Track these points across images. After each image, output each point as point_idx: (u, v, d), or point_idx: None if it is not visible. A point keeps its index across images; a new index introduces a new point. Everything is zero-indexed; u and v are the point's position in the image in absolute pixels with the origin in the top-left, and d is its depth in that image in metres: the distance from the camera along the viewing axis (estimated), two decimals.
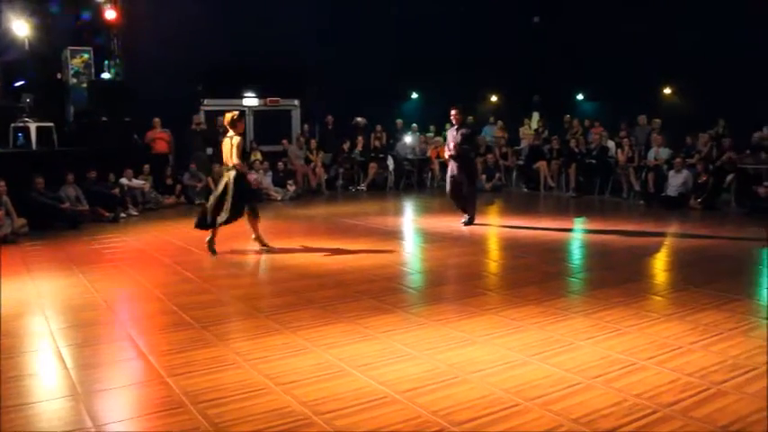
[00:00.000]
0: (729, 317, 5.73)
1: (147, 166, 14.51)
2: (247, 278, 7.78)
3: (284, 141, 17.56)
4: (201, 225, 9.07)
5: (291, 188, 15.97)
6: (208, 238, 9.08)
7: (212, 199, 9.06)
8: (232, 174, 8.85)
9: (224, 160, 9.04)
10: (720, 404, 4.03)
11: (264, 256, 9.17)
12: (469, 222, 11.17)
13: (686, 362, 4.71)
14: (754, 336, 5.25)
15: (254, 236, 9.32)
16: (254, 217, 9.22)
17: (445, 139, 19.17)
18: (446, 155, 11.30)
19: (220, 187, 8.97)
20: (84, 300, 6.74)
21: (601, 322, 5.62)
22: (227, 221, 8.93)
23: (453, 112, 11.08)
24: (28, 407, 4.16)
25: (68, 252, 9.44)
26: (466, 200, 11.21)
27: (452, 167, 11.12)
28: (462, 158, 10.96)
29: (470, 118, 20.03)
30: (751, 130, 14.19)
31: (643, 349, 4.97)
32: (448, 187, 11.31)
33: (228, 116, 9.06)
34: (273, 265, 8.42)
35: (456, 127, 11.12)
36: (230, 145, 8.87)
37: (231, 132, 8.94)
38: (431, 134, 19.71)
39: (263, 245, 9.28)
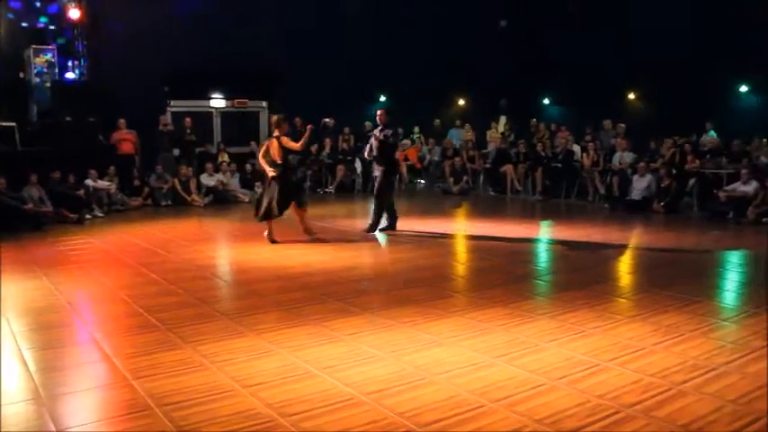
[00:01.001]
0: (690, 318, 5.83)
1: (112, 168, 14.36)
2: (213, 280, 7.73)
3: (252, 143, 17.48)
4: (267, 216, 9.83)
5: (259, 190, 15.89)
6: (267, 232, 9.93)
7: (269, 195, 9.77)
8: (279, 171, 9.74)
9: (272, 158, 9.82)
10: (681, 404, 4.10)
11: (231, 259, 9.14)
12: (371, 229, 10.70)
13: (648, 363, 4.79)
14: (713, 337, 5.35)
15: (302, 227, 10.20)
16: (301, 209, 10.12)
17: (413, 141, 19.50)
18: (366, 154, 11.13)
19: (274, 184, 9.74)
20: (47, 302, 6.65)
21: (565, 324, 5.69)
22: (278, 214, 9.82)
23: (379, 112, 10.92)
24: None
25: (32, 254, 9.30)
26: (376, 202, 10.84)
27: (375, 168, 11.02)
28: (380, 159, 10.72)
29: (437, 120, 20.22)
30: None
31: (606, 350, 5.04)
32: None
33: (275, 117, 10.14)
34: (239, 268, 8.39)
35: (380, 127, 10.86)
36: (277, 144, 9.74)
37: (277, 132, 9.87)
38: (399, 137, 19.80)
39: (311, 233, 10.17)
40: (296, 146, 9.84)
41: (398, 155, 18.48)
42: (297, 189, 10.35)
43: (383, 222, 10.88)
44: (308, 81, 17.62)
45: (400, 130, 19.90)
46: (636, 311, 6.08)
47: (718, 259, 8.82)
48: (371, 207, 11.16)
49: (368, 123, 19.02)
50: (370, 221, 10.92)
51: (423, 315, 5.98)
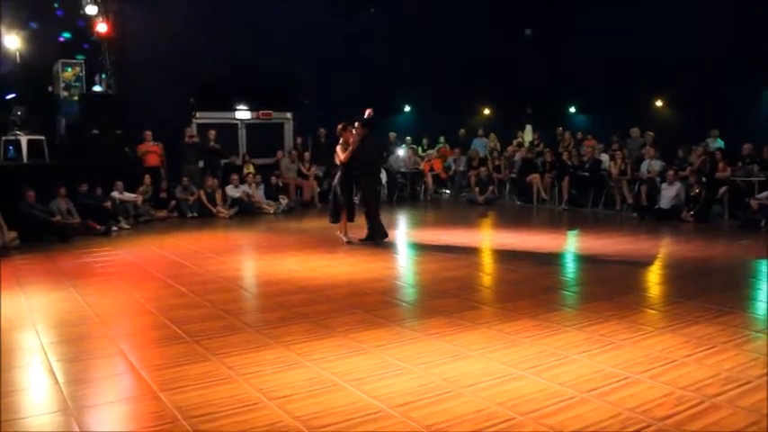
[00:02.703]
0: (722, 330, 5.75)
1: (147, 177, 14.55)
2: (239, 292, 7.76)
3: (279, 153, 17.59)
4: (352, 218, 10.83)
5: (284, 201, 15.97)
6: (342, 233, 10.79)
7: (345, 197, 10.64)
8: (338, 174, 10.66)
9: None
10: (714, 418, 4.04)
11: (257, 270, 9.18)
12: (368, 238, 10.82)
13: (680, 375, 4.72)
14: (747, 349, 5.27)
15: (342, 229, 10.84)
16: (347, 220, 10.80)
17: (438, 152, 19.50)
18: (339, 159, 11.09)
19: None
20: (75, 314, 6.72)
21: (594, 335, 5.63)
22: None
23: (357, 123, 10.78)
24: (19, 422, 4.14)
25: (59, 265, 9.41)
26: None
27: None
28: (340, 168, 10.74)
29: (462, 130, 20.20)
30: (742, 142, 14.28)
31: (637, 363, 4.98)
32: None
33: (339, 126, 10.78)
34: (265, 280, 8.41)
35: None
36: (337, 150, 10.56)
37: (342, 140, 10.60)
38: (424, 147, 19.81)
39: (346, 238, 10.76)
40: (340, 156, 10.60)
41: (423, 165, 18.59)
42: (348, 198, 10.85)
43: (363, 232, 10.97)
44: (332, 92, 17.68)
45: (425, 141, 20.00)
46: (666, 323, 6.01)
47: (750, 269, 8.70)
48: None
49: (392, 134, 19.09)
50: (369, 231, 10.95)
51: (450, 326, 5.96)
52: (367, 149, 10.60)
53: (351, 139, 10.58)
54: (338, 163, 10.84)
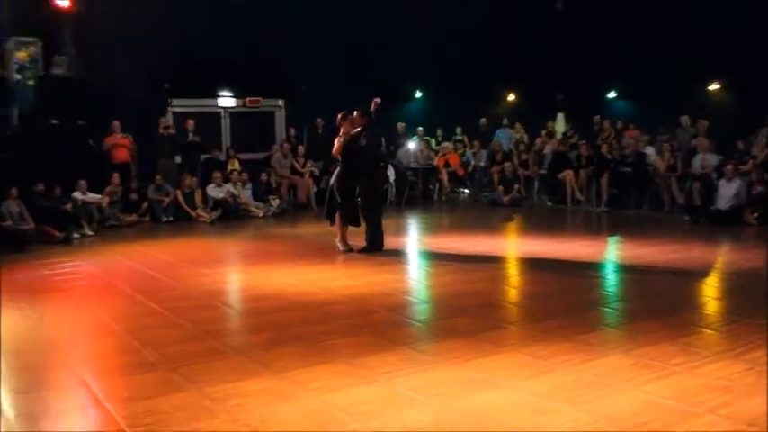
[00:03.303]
0: None
1: (115, 175, 14.54)
2: (223, 310, 7.73)
3: (273, 146, 17.62)
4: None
5: (275, 203, 15.96)
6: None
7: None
8: (337, 170, 10.72)
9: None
10: None
11: (243, 284, 9.15)
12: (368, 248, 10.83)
13: (744, 408, 4.64)
14: None
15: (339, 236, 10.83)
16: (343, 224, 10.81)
17: (455, 145, 19.47)
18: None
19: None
20: (30, 337, 6.68)
21: (641, 360, 5.57)
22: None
23: (356, 113, 10.78)
24: None
25: (11, 279, 9.38)
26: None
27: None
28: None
29: (483, 120, 20.16)
30: None
31: (693, 393, 4.91)
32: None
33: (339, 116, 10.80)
34: (254, 295, 8.38)
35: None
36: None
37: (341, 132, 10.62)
38: (438, 139, 19.78)
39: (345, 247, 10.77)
40: (334, 149, 10.72)
41: (438, 161, 18.58)
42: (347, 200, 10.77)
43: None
44: (331, 76, 17.67)
45: (439, 132, 19.97)
46: (726, 345, 5.94)
47: None
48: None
49: (401, 124, 19.08)
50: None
51: (471, 350, 5.90)
52: (367, 143, 10.56)
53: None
54: (335, 158, 10.85)
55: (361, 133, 10.55)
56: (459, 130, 20.10)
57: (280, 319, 7.06)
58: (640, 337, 6.15)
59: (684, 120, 16.45)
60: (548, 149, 18.02)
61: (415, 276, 9.60)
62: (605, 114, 18.92)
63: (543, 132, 19.02)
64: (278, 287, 8.56)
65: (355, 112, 10.71)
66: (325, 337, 6.36)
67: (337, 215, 10.75)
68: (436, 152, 19.15)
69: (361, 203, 10.73)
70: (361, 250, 10.74)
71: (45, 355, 6.12)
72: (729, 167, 13.65)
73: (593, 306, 7.46)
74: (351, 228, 10.84)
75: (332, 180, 10.90)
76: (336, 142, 10.67)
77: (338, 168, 10.77)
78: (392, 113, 18.99)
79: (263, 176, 16.44)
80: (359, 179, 10.68)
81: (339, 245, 10.81)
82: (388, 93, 18.64)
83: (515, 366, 5.51)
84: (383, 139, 11.37)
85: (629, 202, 15.51)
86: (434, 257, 10.54)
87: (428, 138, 19.58)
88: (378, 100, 10.82)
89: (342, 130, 10.69)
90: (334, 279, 8.98)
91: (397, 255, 10.71)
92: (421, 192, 18.49)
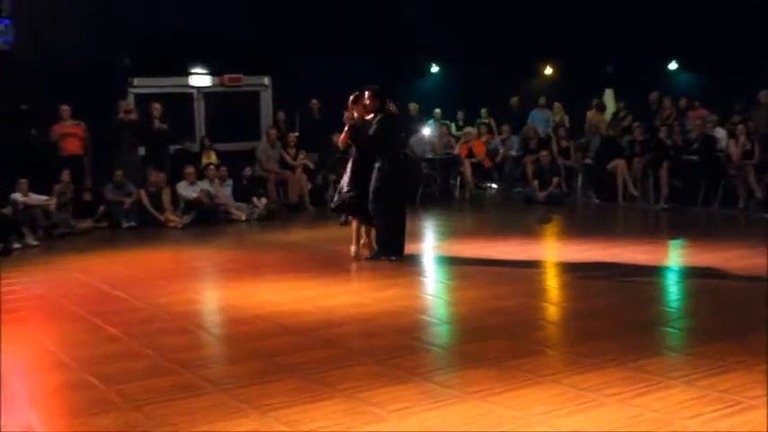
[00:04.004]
0: None
1: (65, 172, 14.53)
2: (198, 335, 7.73)
3: (268, 132, 17.60)
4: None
5: (261, 203, 15.96)
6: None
7: None
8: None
9: None
10: None
11: (223, 303, 9.14)
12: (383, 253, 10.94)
13: None
14: None
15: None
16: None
17: (480, 130, 19.45)
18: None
19: None
20: None
21: (712, 392, 5.55)
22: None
23: (367, 93, 10.84)
24: None
25: None
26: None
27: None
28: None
29: (515, 98, 20.13)
30: None
31: None
32: None
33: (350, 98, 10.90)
34: (236, 317, 8.37)
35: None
36: None
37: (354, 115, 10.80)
38: (459, 123, 19.77)
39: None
40: (339, 139, 11.28)
41: (460, 150, 18.56)
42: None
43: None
44: (327, 47, 17.65)
45: (460, 115, 19.95)
46: None
47: None
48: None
49: (413, 105, 19.07)
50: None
51: (500, 381, 5.89)
52: (378, 130, 10.58)
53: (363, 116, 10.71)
54: (339, 147, 10.93)
55: (373, 120, 10.63)
56: (484, 111, 20.10)
57: (268, 346, 7.05)
58: (710, 364, 6.13)
59: (764, 95, 16.38)
60: (600, 128, 17.90)
61: (432, 291, 9.61)
62: (665, 90, 18.86)
63: (594, 104, 18.97)
64: (265, 307, 8.55)
65: (366, 93, 10.76)
66: (323, 368, 6.35)
67: (354, 217, 10.90)
68: (457, 139, 19.13)
69: (370, 200, 10.74)
70: (370, 257, 10.84)
71: None
72: None
73: (650, 325, 7.44)
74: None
75: (345, 176, 10.95)
76: (345, 131, 10.77)
77: (351, 161, 10.86)
78: (402, 92, 18.97)
79: (246, 171, 16.42)
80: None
81: (352, 249, 10.91)
82: (397, 67, 18.78)
83: (555, 401, 5.50)
84: (400, 125, 11.36)
85: (696, 197, 15.45)
86: (455, 268, 10.51)
87: (447, 122, 19.58)
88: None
89: (355, 114, 10.78)
90: (334, 296, 8.96)
91: (411, 265, 10.68)
92: (439, 188, 18.47)
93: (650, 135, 16.88)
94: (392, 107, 10.96)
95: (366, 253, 10.91)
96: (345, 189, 10.84)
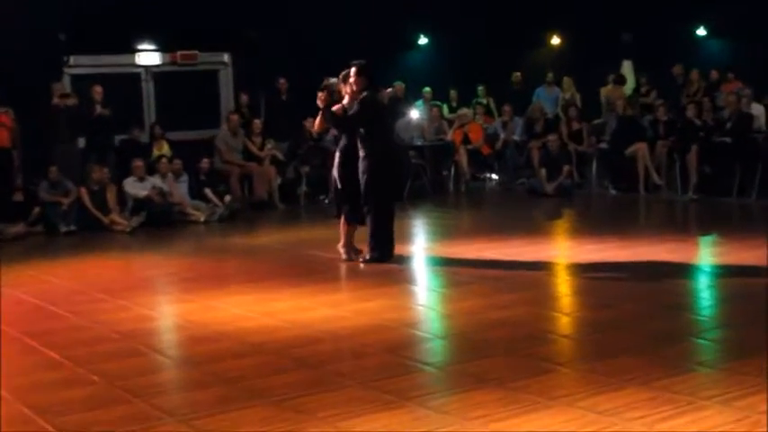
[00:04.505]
0: None
1: None
2: (151, 358, 7.71)
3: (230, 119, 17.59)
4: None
5: (222, 201, 15.94)
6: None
7: None
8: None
9: None
10: None
11: (180, 320, 9.14)
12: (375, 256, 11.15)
13: None
14: None
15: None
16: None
17: (476, 111, 19.46)
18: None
19: None
20: None
21: (752, 413, 5.58)
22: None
23: (353, 70, 10.92)
24: None
25: None
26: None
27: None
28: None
29: (517, 74, 20.15)
30: None
31: None
32: None
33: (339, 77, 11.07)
34: (195, 335, 8.36)
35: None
36: None
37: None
38: (452, 104, 19.78)
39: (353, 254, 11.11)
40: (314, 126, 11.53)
41: (453, 135, 18.58)
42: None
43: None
44: (298, 19, 17.63)
45: (454, 94, 19.96)
46: None
47: None
48: None
49: (399, 84, 19.06)
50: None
51: (504, 405, 5.92)
52: (367, 109, 10.66)
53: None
54: (316, 133, 10.99)
55: (366, 99, 10.73)
56: (481, 89, 20.10)
57: (233, 368, 7.04)
58: (747, 382, 6.14)
59: None
60: (609, 115, 17.99)
61: (425, 301, 9.61)
62: (692, 61, 18.90)
63: (611, 78, 18.99)
64: (229, 323, 8.54)
65: (352, 70, 10.85)
66: (298, 393, 6.35)
67: (343, 213, 11.01)
68: (450, 123, 19.13)
69: (363, 193, 10.79)
70: (368, 260, 10.90)
71: None
72: None
73: (679, 337, 7.47)
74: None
75: (335, 167, 11.02)
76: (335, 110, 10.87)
77: (339, 148, 11.00)
78: (386, 69, 18.97)
79: (205, 164, 16.40)
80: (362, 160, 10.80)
81: (342, 251, 11.02)
82: (378, 39, 18.78)
83: (568, 427, 5.52)
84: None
85: (730, 185, 15.49)
86: (451, 273, 10.54)
87: (438, 103, 19.57)
88: (333, 80, 10.89)
89: (346, 95, 10.91)
90: (310, 309, 8.95)
91: (399, 271, 10.70)
92: (430, 180, 18.47)
93: (676, 114, 16.94)
94: (385, 93, 11.02)
95: (344, 254, 11.02)
96: (339, 185, 11.01)
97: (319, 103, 10.89)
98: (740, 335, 7.53)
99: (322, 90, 10.91)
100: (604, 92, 19.12)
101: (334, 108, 10.79)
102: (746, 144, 15.49)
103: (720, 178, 15.64)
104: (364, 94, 10.73)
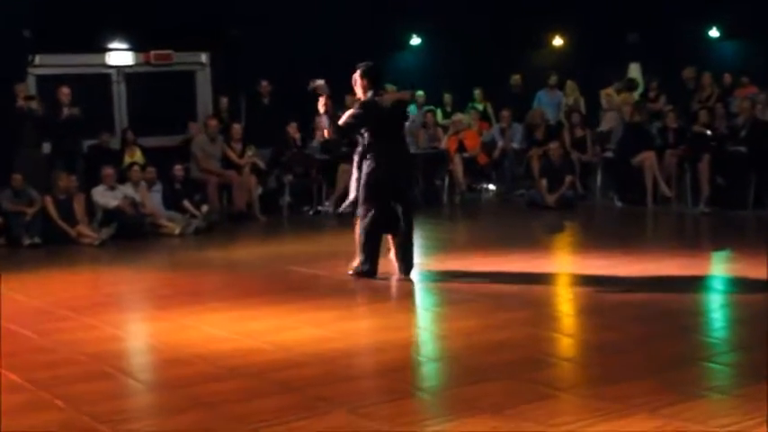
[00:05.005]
0: None
1: None
2: (121, 381, 7.69)
3: (195, 126, 17.55)
4: None
5: (199, 212, 15.93)
6: None
7: None
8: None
9: None
10: None
11: (153, 340, 9.12)
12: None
13: None
14: None
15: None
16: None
17: (473, 117, 19.46)
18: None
19: None
20: None
21: None
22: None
23: (357, 72, 11.09)
24: None
25: None
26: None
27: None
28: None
29: (516, 77, 20.18)
30: None
31: None
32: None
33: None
34: (169, 357, 8.34)
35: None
36: None
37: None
38: (446, 109, 19.81)
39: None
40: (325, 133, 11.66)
41: (448, 142, 18.59)
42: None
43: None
44: (282, 17, 17.65)
45: (448, 98, 19.97)
46: None
47: None
48: None
49: (389, 87, 19.06)
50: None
51: None
52: (372, 115, 10.86)
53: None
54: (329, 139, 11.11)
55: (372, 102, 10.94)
56: (478, 93, 20.11)
57: (209, 393, 7.02)
58: (765, 409, 6.14)
59: None
60: (611, 121, 18.02)
61: (417, 321, 9.63)
62: (704, 64, 18.94)
63: (621, 84, 19.02)
64: (206, 344, 8.53)
65: (357, 72, 11.03)
66: (280, 420, 6.33)
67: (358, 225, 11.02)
68: (445, 129, 19.15)
69: (357, 198, 10.89)
70: (358, 273, 11.02)
71: None
72: None
73: (689, 361, 7.47)
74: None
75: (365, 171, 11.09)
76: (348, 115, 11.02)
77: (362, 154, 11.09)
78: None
79: (179, 171, 16.37)
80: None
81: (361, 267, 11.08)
82: (368, 39, 18.81)
83: None
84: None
85: (744, 198, 15.52)
86: (446, 290, 10.56)
87: (432, 107, 19.59)
88: (320, 82, 10.96)
89: (327, 103, 11.01)
90: (293, 329, 8.94)
91: (389, 289, 10.70)
92: (422, 190, 18.47)
93: (686, 121, 16.95)
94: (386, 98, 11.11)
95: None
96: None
97: (321, 108, 10.93)
98: (755, 358, 7.51)
99: (319, 93, 10.94)
100: (604, 98, 19.11)
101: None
102: (762, 153, 15.51)
103: (734, 190, 15.66)
104: (366, 96, 10.83)
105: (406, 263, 10.98)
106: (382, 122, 11.03)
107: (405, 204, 11.06)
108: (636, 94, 19.31)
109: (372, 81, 10.90)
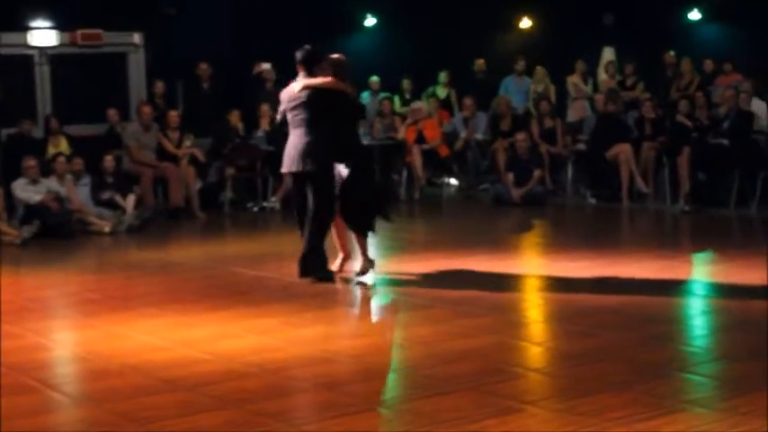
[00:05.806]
0: None
1: None
2: (45, 394, 7.64)
3: (112, 112, 17.48)
4: None
5: (132, 209, 15.87)
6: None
7: None
8: None
9: None
10: None
11: (81, 349, 9.08)
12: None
13: None
14: None
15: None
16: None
17: (431, 104, 19.49)
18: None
19: None
20: None
21: None
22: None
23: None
24: None
25: None
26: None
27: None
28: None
29: (480, 62, 20.23)
30: None
31: None
32: None
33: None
34: (98, 368, 8.31)
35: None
36: None
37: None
38: (404, 96, 19.83)
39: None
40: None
41: (406, 133, 18.60)
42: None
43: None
44: None
45: (406, 84, 20.01)
46: None
47: None
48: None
49: (373, 80, 19.10)
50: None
51: None
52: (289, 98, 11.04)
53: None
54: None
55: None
56: (443, 76, 20.11)
57: (140, 407, 6.99)
58: (748, 423, 6.18)
59: None
60: (577, 110, 18.10)
61: (372, 328, 9.64)
62: (684, 49, 19.04)
63: (603, 66, 19.10)
64: (139, 354, 8.50)
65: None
66: None
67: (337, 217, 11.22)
68: (402, 118, 19.15)
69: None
70: (320, 278, 11.03)
71: None
72: None
73: (668, 371, 7.52)
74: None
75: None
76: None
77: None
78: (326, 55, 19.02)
79: (109, 163, 16.30)
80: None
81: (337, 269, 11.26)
82: (318, 18, 18.81)
83: None
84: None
85: (727, 194, 15.61)
86: (404, 294, 10.58)
87: (388, 95, 19.59)
88: (266, 66, 11.02)
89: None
90: (235, 337, 8.94)
91: (340, 292, 10.70)
92: (379, 184, 18.50)
93: (665, 111, 17.03)
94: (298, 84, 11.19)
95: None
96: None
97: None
98: (739, 369, 7.58)
99: (265, 78, 11.03)
100: (570, 84, 19.21)
101: None
102: (746, 146, 15.60)
103: (716, 186, 15.75)
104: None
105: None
106: (291, 109, 11.12)
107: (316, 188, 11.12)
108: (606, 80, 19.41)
109: (304, 66, 11.00)
